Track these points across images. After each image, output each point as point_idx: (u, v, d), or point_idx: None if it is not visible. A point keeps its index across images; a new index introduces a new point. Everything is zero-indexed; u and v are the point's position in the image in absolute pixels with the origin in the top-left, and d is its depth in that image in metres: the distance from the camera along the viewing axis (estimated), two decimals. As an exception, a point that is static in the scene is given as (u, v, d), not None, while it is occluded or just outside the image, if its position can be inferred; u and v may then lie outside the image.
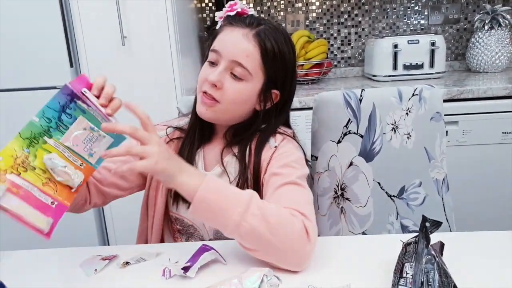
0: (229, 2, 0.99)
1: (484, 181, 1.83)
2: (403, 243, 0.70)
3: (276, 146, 0.93)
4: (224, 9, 0.99)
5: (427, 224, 0.66)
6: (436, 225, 0.66)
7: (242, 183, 0.92)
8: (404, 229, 1.17)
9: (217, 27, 0.96)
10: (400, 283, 0.63)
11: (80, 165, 0.71)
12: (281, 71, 0.93)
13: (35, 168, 0.67)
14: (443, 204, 1.18)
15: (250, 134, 0.96)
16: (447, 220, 1.20)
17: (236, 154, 0.95)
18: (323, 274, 0.73)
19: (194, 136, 0.98)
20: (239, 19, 0.93)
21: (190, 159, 0.96)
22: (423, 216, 0.67)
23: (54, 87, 1.78)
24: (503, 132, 1.78)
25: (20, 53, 1.76)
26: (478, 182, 1.83)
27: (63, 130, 0.70)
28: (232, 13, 0.96)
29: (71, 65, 1.80)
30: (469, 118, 1.77)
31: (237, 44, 0.88)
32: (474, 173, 1.82)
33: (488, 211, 1.84)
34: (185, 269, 0.73)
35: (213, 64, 0.91)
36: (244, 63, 0.88)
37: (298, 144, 0.98)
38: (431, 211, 1.16)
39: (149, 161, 0.70)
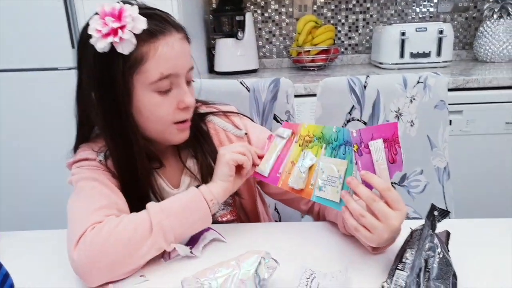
0: (112, 10, 0.72)
1: (485, 171, 1.83)
2: (411, 229, 0.70)
3: (246, 133, 0.93)
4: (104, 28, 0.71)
5: (435, 213, 0.66)
6: (444, 214, 0.66)
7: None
8: (404, 216, 1.17)
9: (124, 50, 0.71)
10: (398, 267, 0.63)
11: (310, 185, 0.74)
12: None
13: (302, 151, 0.77)
14: (444, 192, 1.18)
15: (197, 128, 0.90)
16: (447, 208, 1.20)
17: (196, 155, 0.90)
18: (322, 258, 0.74)
19: (144, 163, 0.82)
20: (161, 27, 0.75)
21: (148, 186, 0.86)
22: (432, 204, 0.67)
23: (56, 68, 1.79)
24: (506, 123, 1.77)
25: (22, 33, 1.75)
26: (480, 172, 1.83)
27: (332, 154, 0.74)
28: (140, 26, 0.72)
29: (73, 46, 1.79)
30: (473, 107, 1.76)
31: (183, 52, 0.78)
32: (476, 162, 1.82)
33: (488, 200, 1.84)
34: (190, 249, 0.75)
35: (165, 92, 0.77)
36: (193, 64, 0.82)
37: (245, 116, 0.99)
38: (431, 199, 1.16)
39: (372, 237, 0.66)
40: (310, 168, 0.75)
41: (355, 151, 0.70)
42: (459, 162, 1.75)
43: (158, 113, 0.78)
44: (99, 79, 0.75)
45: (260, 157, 0.82)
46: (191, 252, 0.74)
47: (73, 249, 0.68)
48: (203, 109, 0.95)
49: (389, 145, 0.67)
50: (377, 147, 0.68)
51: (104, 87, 0.75)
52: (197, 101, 0.95)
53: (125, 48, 0.71)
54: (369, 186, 0.67)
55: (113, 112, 0.76)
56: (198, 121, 0.91)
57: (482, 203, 1.83)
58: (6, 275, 0.61)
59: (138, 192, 0.83)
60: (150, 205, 0.74)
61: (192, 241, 0.76)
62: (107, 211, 0.74)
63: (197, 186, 0.79)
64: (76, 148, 0.87)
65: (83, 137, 0.87)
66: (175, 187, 0.90)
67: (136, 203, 0.80)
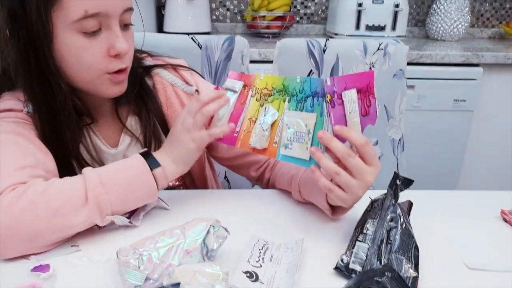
0: None
1: (434, 146, 1.86)
2: (371, 199, 0.66)
3: (196, 90, 0.83)
4: None
5: (398, 182, 0.62)
6: (407, 183, 0.62)
7: (155, 145, 0.80)
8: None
9: None
10: (358, 239, 0.59)
11: (274, 143, 0.67)
12: None
13: (262, 106, 0.69)
14: (397, 164, 1.17)
15: (141, 82, 0.79)
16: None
17: (140, 113, 0.79)
18: (276, 228, 0.68)
19: (71, 117, 0.70)
20: None
21: (75, 143, 0.74)
22: (394, 173, 0.64)
23: None
24: (454, 100, 1.80)
25: None
26: (429, 147, 1.86)
27: (298, 107, 0.66)
28: None
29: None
30: (425, 83, 1.77)
31: None
32: (426, 138, 1.85)
33: (436, 174, 1.90)
34: (128, 218, 0.66)
35: (92, 33, 0.65)
36: (132, 4, 0.69)
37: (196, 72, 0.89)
38: (385, 171, 1.13)
39: (347, 196, 0.60)
40: (273, 124, 0.67)
41: (328, 102, 0.63)
42: (409, 137, 1.77)
43: (84, 58, 0.65)
44: (10, 12, 0.61)
45: None
46: (130, 222, 0.65)
47: None
48: (149, 61, 0.84)
49: (363, 96, 0.60)
50: (351, 97, 0.61)
51: (17, 22, 0.62)
52: (142, 51, 0.84)
53: None
54: (341, 140, 0.60)
55: (30, 54, 0.63)
56: (143, 74, 0.80)
57: (430, 177, 1.87)
58: None
59: (66, 152, 0.71)
60: (87, 173, 0.63)
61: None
62: (32, 171, 0.62)
63: (146, 156, 0.67)
64: None
65: (6, 84, 0.73)
66: (113, 146, 0.79)
67: (65, 163, 0.70)
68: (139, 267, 0.49)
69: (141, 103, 0.79)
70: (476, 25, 2.44)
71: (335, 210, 0.68)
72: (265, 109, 0.68)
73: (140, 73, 0.79)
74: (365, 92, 0.60)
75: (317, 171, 0.61)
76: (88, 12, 0.62)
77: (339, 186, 0.60)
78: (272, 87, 0.69)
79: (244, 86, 0.71)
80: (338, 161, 0.60)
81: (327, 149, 0.60)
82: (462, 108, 1.81)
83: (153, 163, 0.66)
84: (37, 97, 0.67)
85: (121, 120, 0.79)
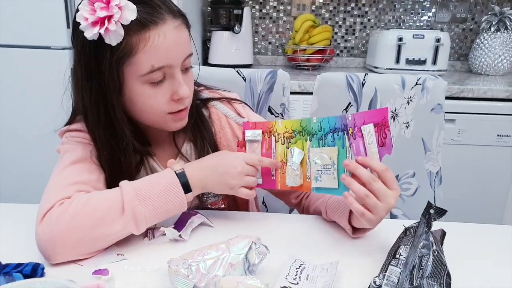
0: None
1: (474, 181, 1.83)
2: (405, 227, 0.69)
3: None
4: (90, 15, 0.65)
5: (431, 211, 0.66)
6: (441, 213, 0.66)
7: None
8: (393, 218, 1.16)
9: (111, 41, 0.66)
10: (391, 263, 0.61)
11: (307, 179, 0.75)
12: None
13: (288, 147, 0.77)
14: (434, 197, 1.18)
15: (198, 113, 0.87)
16: (437, 214, 1.19)
17: (195, 140, 0.86)
18: (313, 249, 0.72)
19: (131, 159, 0.79)
20: (154, 15, 0.69)
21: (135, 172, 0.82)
22: (428, 202, 0.68)
23: (49, 47, 1.74)
24: (498, 135, 1.78)
25: (17, 9, 1.70)
26: (469, 182, 1.83)
27: (320, 143, 0.74)
28: (128, 17, 0.66)
29: (68, 26, 1.75)
30: (466, 117, 1.76)
31: (179, 41, 0.72)
32: (466, 172, 1.82)
33: (475, 209, 1.86)
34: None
35: (157, 83, 0.72)
36: (192, 50, 0.77)
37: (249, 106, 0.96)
38: (422, 203, 1.15)
39: (374, 218, 0.67)
40: (301, 162, 0.75)
41: (350, 134, 0.71)
42: (449, 171, 1.76)
43: (150, 104, 0.73)
44: (86, 66, 0.70)
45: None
46: (180, 236, 0.72)
47: (38, 223, 0.66)
48: (206, 94, 0.92)
49: (379, 129, 0.69)
50: (369, 131, 0.70)
51: (91, 75, 0.70)
52: (200, 85, 0.93)
53: (113, 39, 0.66)
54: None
55: (100, 103, 0.72)
56: (200, 106, 0.88)
57: (470, 212, 1.84)
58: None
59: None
60: (124, 186, 0.70)
61: (179, 225, 0.74)
62: (81, 187, 0.71)
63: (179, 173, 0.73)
64: (71, 120, 0.83)
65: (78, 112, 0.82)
66: None
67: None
68: (188, 276, 0.55)
69: (196, 131, 0.86)
70: (521, 60, 2.41)
71: (356, 230, 0.75)
72: (291, 151, 0.76)
73: (197, 104, 0.87)
74: (381, 126, 0.69)
75: (350, 197, 0.67)
76: (155, 66, 0.69)
77: (367, 209, 0.66)
78: (292, 130, 0.77)
79: (263, 133, 0.80)
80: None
81: (353, 175, 0.68)
82: (506, 144, 1.78)
83: (185, 186, 0.72)
84: (101, 140, 0.75)
85: (177, 146, 0.86)
